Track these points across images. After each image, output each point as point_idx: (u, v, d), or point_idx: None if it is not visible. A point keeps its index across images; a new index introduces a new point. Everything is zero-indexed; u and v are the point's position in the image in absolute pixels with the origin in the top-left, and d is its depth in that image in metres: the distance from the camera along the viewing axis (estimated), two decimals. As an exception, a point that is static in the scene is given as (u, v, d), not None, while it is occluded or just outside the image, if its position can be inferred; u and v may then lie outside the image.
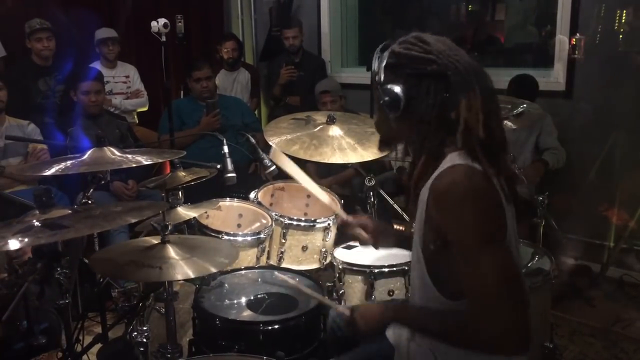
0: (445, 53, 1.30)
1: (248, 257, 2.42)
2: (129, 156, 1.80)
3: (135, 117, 4.54)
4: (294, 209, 2.87)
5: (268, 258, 2.54)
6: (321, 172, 3.89)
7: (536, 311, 1.83)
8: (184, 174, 2.31)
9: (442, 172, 1.28)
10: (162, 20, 2.80)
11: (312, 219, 2.60)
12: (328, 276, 2.45)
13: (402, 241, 1.83)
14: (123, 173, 3.46)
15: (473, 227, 1.22)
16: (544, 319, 2.16)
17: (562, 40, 3.70)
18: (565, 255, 3.41)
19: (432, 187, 1.28)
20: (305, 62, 4.73)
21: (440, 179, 1.27)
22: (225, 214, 2.68)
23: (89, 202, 1.95)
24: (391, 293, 2.12)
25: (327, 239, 2.59)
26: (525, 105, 2.46)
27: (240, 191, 2.88)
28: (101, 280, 2.26)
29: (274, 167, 2.52)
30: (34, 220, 1.51)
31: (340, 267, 2.20)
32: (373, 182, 2.49)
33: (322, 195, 1.87)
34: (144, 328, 1.82)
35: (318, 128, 2.49)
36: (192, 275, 1.55)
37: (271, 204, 2.81)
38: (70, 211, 1.65)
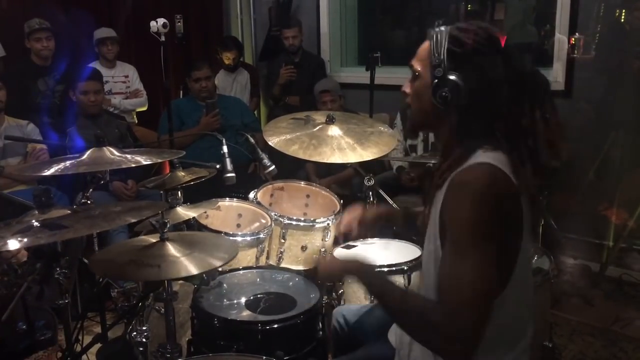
0: (515, 56, 1.29)
1: (247, 257, 2.42)
2: (128, 156, 1.80)
3: (135, 117, 4.54)
4: (293, 208, 2.87)
5: (267, 258, 2.54)
6: (320, 172, 3.89)
7: (535, 311, 1.83)
8: (183, 174, 2.31)
9: (469, 167, 1.24)
10: (161, 20, 2.80)
11: (312, 219, 2.60)
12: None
13: (409, 222, 1.81)
14: (122, 173, 3.46)
15: (473, 225, 1.17)
16: (543, 318, 2.16)
17: (561, 40, 3.70)
18: (565, 255, 3.41)
19: (455, 177, 1.25)
20: (305, 61, 4.73)
21: (463, 173, 1.24)
22: (225, 214, 2.68)
23: (88, 202, 1.95)
24: (391, 293, 2.11)
25: (326, 239, 2.59)
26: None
27: (239, 191, 2.88)
28: (100, 280, 2.27)
29: (273, 167, 2.53)
30: (33, 221, 1.51)
31: (339, 266, 2.19)
32: (372, 182, 2.50)
33: None
34: (144, 328, 1.83)
35: (317, 128, 2.49)
36: (193, 271, 1.52)
37: (270, 204, 2.81)
38: (69, 211, 1.65)
